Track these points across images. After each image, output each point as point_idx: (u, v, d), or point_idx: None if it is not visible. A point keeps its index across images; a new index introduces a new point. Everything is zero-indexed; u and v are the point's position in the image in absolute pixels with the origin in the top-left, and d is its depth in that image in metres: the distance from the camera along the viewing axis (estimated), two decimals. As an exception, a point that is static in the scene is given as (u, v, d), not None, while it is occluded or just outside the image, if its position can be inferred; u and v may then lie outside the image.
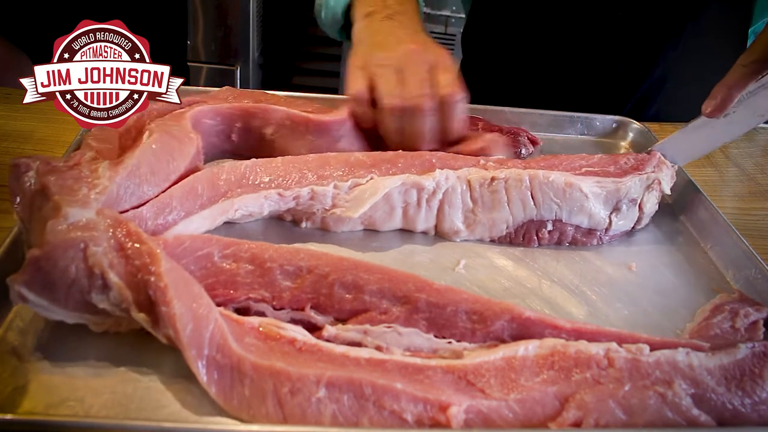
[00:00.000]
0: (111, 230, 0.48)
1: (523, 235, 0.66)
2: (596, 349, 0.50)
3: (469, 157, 0.68)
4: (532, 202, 0.65)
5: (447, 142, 0.70)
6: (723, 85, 0.64)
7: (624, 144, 0.87)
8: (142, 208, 0.54)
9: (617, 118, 0.88)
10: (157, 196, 0.57)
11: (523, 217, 0.65)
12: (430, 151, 0.68)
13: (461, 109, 0.69)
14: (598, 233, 0.66)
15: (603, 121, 0.87)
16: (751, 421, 0.47)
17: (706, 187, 0.77)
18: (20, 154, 0.72)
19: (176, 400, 0.46)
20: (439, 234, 0.66)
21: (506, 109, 0.84)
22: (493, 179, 0.64)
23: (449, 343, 0.51)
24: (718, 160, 0.90)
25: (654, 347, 0.50)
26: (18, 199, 0.52)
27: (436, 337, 0.51)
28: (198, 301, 0.47)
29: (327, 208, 0.63)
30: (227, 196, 0.61)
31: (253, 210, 0.62)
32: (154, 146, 0.59)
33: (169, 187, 0.59)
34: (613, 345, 0.50)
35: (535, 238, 0.66)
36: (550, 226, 0.66)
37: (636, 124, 0.87)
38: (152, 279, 0.46)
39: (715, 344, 0.52)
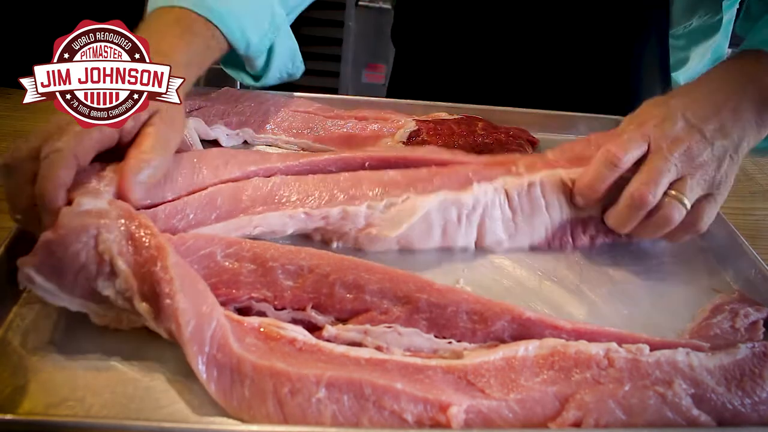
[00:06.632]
0: (122, 220, 0.48)
1: (560, 239, 0.65)
2: (596, 349, 0.50)
3: (500, 163, 0.67)
4: (567, 201, 0.65)
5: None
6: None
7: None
8: (155, 209, 0.54)
9: (617, 117, 0.88)
10: (172, 198, 0.57)
11: (560, 219, 0.65)
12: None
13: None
14: None
15: (603, 121, 0.87)
16: (751, 421, 0.47)
17: (706, 187, 0.77)
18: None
19: (176, 400, 0.46)
20: (479, 247, 0.64)
21: (507, 109, 0.84)
22: (530, 186, 0.64)
23: (449, 343, 0.51)
24: (718, 160, 0.90)
25: (654, 347, 0.50)
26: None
27: (436, 337, 0.51)
28: (202, 299, 0.47)
29: (360, 227, 0.60)
30: (247, 212, 0.58)
31: (276, 228, 0.59)
32: None
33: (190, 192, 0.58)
34: (613, 345, 0.50)
35: (570, 239, 0.65)
36: (584, 226, 0.65)
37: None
38: (158, 271, 0.46)
39: (715, 344, 0.52)
